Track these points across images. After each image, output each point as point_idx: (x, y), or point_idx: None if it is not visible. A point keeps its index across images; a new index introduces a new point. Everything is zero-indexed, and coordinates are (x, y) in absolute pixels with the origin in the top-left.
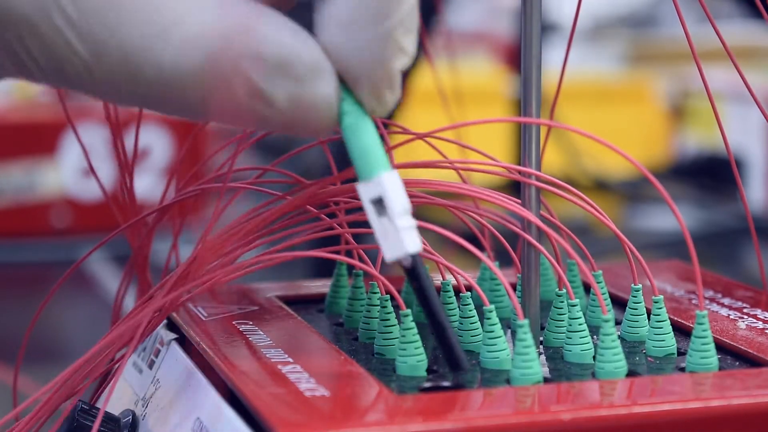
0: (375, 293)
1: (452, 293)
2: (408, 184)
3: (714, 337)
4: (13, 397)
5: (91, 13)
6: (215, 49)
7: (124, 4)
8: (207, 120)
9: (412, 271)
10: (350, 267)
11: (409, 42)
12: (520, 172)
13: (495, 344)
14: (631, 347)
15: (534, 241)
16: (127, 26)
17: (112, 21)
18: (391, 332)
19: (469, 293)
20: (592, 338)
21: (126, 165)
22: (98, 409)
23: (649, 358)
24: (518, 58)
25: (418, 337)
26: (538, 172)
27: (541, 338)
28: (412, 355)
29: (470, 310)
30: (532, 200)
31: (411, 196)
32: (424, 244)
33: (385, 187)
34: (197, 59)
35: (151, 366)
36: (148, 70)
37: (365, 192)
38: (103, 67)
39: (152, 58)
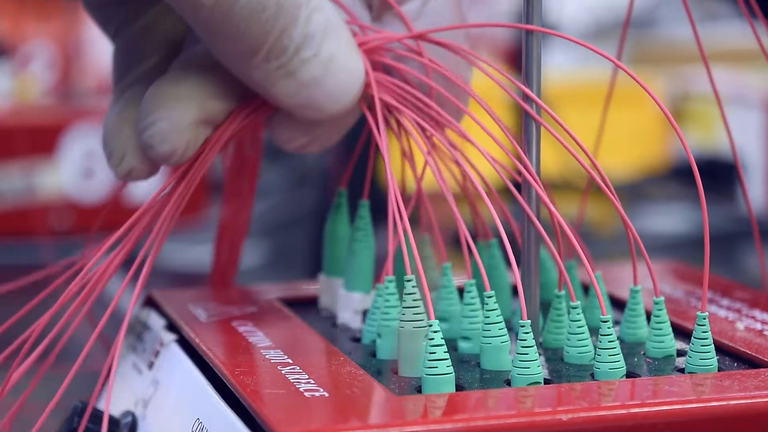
0: (380, 296)
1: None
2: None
3: (713, 338)
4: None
5: None
6: None
7: None
8: None
9: None
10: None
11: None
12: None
13: None
14: (630, 348)
15: (532, 246)
16: None
17: None
18: (391, 333)
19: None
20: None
21: None
22: (97, 410)
23: (648, 359)
24: (519, 60)
25: None
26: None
27: (540, 340)
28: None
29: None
30: (533, 203)
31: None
32: (425, 244)
33: None
34: None
35: (150, 367)
36: None
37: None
38: None
39: None
